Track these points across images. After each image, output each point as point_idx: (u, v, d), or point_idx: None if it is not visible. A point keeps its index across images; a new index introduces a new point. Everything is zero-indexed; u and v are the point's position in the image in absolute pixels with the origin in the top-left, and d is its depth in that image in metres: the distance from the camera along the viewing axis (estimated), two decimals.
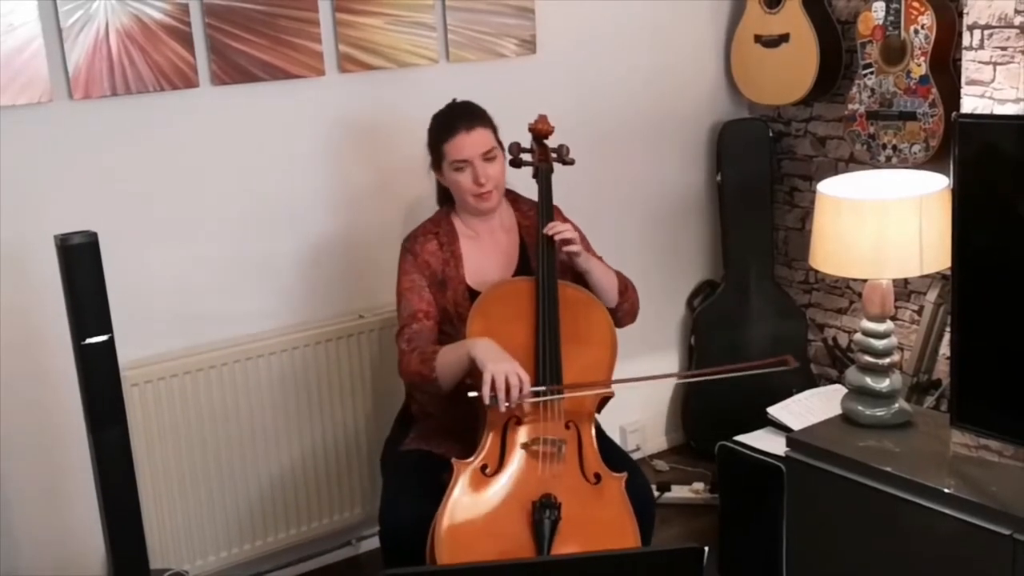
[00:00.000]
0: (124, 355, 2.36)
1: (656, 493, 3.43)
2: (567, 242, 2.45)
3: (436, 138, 2.53)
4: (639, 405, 3.76)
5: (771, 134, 3.68)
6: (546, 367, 2.34)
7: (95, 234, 2.18)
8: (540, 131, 2.63)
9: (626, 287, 2.61)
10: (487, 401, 2.21)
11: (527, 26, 3.25)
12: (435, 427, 2.53)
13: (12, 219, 2.58)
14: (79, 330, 2.18)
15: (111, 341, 2.21)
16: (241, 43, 2.80)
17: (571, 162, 2.64)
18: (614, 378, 2.44)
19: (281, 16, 2.84)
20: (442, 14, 3.10)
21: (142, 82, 2.67)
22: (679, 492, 3.47)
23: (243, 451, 2.93)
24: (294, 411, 2.99)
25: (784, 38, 3.45)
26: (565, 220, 2.63)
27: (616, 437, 3.62)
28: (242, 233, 2.92)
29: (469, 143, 2.47)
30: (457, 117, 2.52)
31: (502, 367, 2.23)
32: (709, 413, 3.71)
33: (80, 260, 2.16)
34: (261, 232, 2.94)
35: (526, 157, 2.64)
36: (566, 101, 3.38)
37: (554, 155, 2.64)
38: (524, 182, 2.68)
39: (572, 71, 3.40)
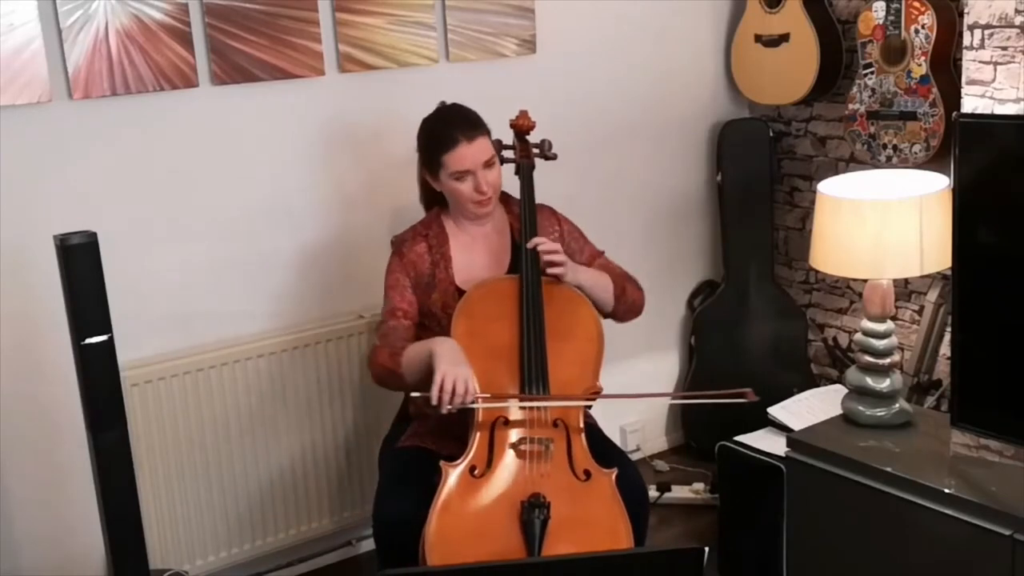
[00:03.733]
0: (124, 355, 2.35)
1: (656, 493, 3.43)
2: (552, 264, 2.41)
3: (434, 148, 2.47)
4: (639, 405, 3.76)
5: (771, 134, 3.67)
6: (532, 372, 2.34)
7: (95, 234, 2.18)
8: (521, 127, 2.61)
9: (624, 289, 2.57)
10: (433, 401, 2.21)
11: (527, 26, 3.25)
12: (432, 426, 2.53)
13: (12, 219, 2.57)
14: (79, 330, 2.18)
15: (111, 341, 2.20)
16: (241, 43, 2.79)
17: (553, 157, 2.61)
18: (600, 378, 2.45)
19: (281, 16, 2.84)
20: (442, 14, 3.10)
21: (142, 82, 2.67)
22: (679, 492, 3.46)
23: (243, 451, 2.93)
24: (293, 411, 2.99)
25: (784, 38, 3.45)
26: (555, 218, 2.63)
27: (616, 437, 3.62)
28: (242, 233, 2.92)
29: (471, 154, 2.43)
30: (455, 127, 2.45)
31: (453, 371, 2.22)
32: (709, 413, 3.69)
33: (80, 260, 2.15)
34: (261, 232, 2.94)
35: (507, 154, 2.61)
36: (566, 101, 3.38)
37: (536, 150, 2.61)
38: (510, 179, 2.65)
39: (572, 71, 3.40)
